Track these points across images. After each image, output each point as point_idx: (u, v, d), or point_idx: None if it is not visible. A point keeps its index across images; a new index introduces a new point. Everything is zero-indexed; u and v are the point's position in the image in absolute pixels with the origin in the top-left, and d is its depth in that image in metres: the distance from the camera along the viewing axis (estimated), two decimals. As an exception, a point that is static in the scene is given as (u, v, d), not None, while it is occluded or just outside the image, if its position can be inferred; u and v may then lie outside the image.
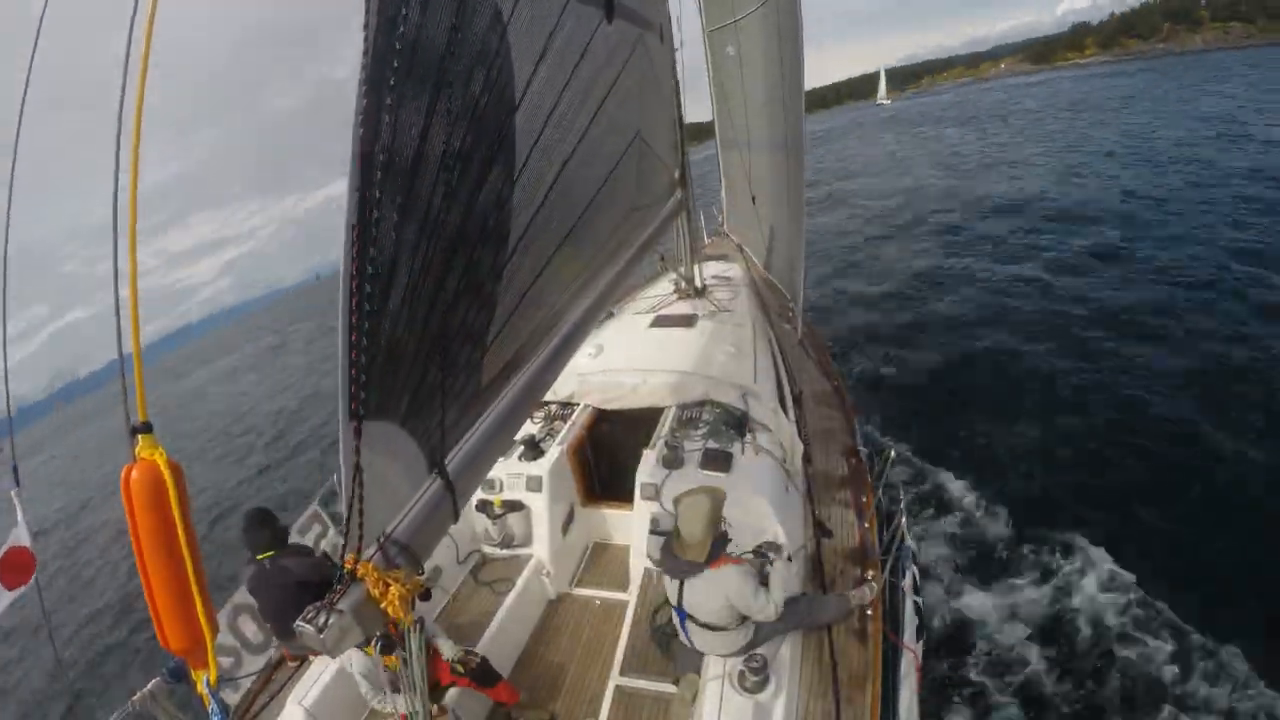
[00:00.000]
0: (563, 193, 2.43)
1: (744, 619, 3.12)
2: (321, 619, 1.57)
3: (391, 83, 1.36)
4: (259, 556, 3.34)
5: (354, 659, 3.13)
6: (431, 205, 1.60)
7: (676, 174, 6.06)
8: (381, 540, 1.78)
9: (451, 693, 3.36)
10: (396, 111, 1.40)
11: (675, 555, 3.14)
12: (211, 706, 1.72)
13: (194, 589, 1.57)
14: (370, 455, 1.63)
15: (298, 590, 3.22)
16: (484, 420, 2.23)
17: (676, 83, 5.79)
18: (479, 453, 2.20)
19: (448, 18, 1.49)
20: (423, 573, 1.90)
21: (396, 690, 2.52)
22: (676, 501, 3.18)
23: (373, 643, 1.87)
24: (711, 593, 3.05)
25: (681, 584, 3.13)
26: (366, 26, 1.28)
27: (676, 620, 3.27)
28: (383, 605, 1.66)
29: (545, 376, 2.77)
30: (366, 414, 1.59)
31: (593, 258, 3.07)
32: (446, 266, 1.73)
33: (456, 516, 2.08)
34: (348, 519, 1.58)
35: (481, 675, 3.37)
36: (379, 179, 1.39)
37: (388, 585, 1.67)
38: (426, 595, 1.92)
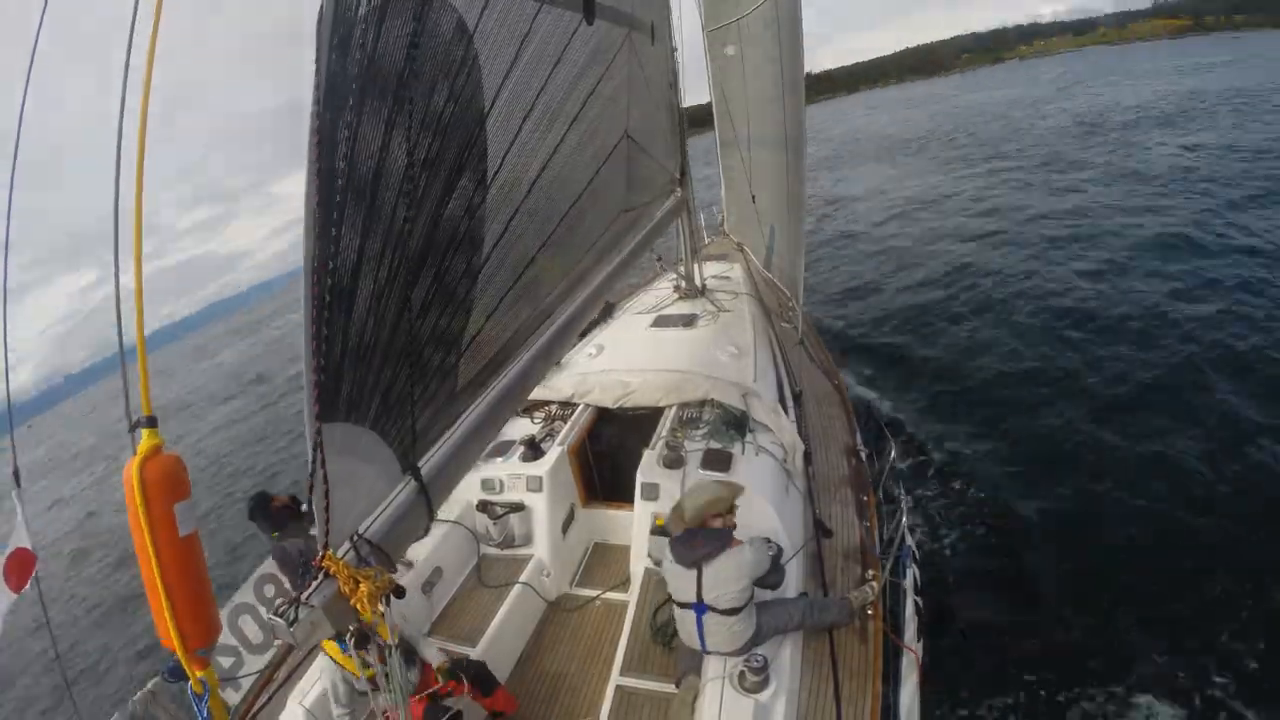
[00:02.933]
0: (543, 196, 2.46)
1: (750, 599, 3.12)
2: (292, 613, 1.62)
3: (348, 100, 1.41)
4: (272, 536, 3.57)
5: (327, 670, 3.13)
6: (395, 216, 1.65)
7: (676, 174, 6.07)
8: (354, 539, 1.83)
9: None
10: (354, 127, 1.45)
11: (685, 539, 3.12)
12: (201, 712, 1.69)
13: (196, 585, 1.59)
14: (341, 457, 1.68)
15: (303, 569, 3.33)
16: (461, 422, 2.28)
17: (675, 82, 5.81)
18: (455, 454, 2.25)
19: (405, 35, 1.53)
20: (395, 571, 1.96)
21: (377, 688, 2.56)
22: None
23: (347, 637, 1.92)
24: (734, 570, 3.04)
25: (700, 572, 3.08)
26: (319, 47, 1.31)
27: (692, 621, 3.19)
28: (352, 602, 1.71)
29: (528, 379, 2.79)
30: (336, 416, 1.64)
31: (580, 259, 3.09)
32: (414, 274, 1.78)
33: (431, 517, 2.13)
34: (322, 518, 1.63)
35: (477, 680, 3.37)
36: (338, 192, 1.43)
37: (358, 582, 1.72)
38: (400, 593, 1.96)
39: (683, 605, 3.19)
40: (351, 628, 1.78)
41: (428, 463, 2.11)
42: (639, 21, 3.62)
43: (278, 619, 1.61)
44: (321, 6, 1.35)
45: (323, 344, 1.53)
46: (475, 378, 2.25)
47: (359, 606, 1.70)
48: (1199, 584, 5.47)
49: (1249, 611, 5.17)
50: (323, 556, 1.71)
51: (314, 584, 1.69)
